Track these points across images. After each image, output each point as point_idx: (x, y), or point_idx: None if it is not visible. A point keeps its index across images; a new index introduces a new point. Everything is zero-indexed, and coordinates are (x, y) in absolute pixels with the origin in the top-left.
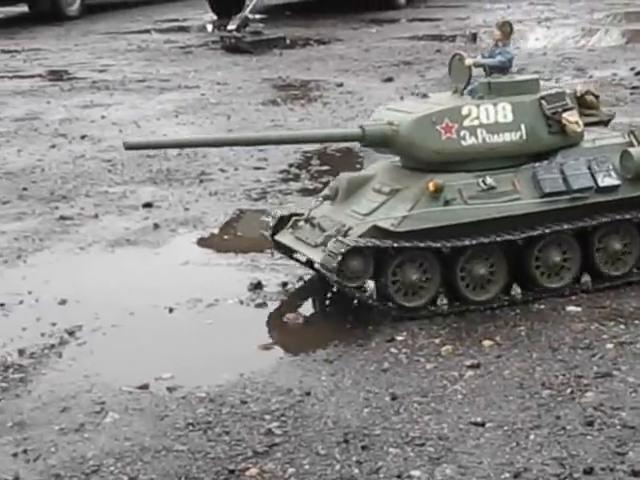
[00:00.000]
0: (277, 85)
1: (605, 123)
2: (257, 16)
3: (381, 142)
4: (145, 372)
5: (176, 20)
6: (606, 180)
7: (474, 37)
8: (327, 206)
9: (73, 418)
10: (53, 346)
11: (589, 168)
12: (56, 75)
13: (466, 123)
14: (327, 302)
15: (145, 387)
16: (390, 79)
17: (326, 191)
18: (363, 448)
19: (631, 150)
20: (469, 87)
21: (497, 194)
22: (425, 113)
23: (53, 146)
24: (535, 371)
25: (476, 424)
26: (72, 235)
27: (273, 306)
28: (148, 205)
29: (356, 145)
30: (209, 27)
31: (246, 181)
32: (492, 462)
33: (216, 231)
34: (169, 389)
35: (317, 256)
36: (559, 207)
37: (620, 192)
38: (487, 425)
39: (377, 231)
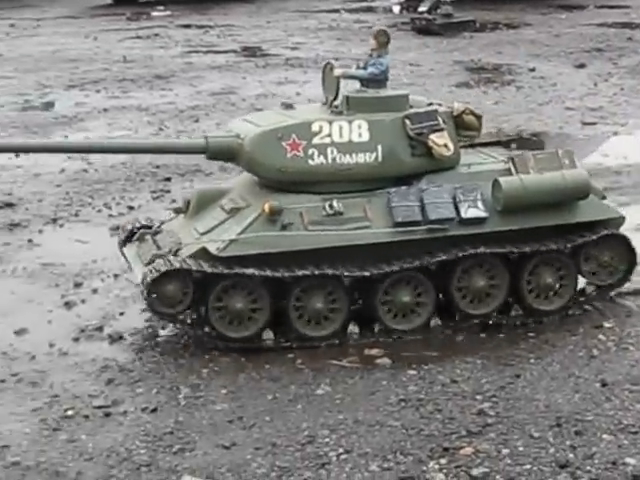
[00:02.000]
0: (469, 68)
1: (505, 144)
2: None
3: (227, 156)
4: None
5: (364, 0)
6: (470, 211)
7: None
8: (179, 220)
9: (287, 389)
10: None
11: (453, 197)
12: (250, 51)
13: (316, 141)
14: None
15: (352, 361)
16: (582, 65)
17: (180, 204)
18: (576, 433)
19: (501, 180)
20: None
21: (344, 220)
22: (270, 128)
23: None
24: None
25: None
26: None
27: None
28: None
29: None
30: (396, 9)
31: None
32: None
33: None
34: (377, 364)
35: (139, 275)
36: (413, 238)
37: (487, 225)
38: None
39: (204, 254)
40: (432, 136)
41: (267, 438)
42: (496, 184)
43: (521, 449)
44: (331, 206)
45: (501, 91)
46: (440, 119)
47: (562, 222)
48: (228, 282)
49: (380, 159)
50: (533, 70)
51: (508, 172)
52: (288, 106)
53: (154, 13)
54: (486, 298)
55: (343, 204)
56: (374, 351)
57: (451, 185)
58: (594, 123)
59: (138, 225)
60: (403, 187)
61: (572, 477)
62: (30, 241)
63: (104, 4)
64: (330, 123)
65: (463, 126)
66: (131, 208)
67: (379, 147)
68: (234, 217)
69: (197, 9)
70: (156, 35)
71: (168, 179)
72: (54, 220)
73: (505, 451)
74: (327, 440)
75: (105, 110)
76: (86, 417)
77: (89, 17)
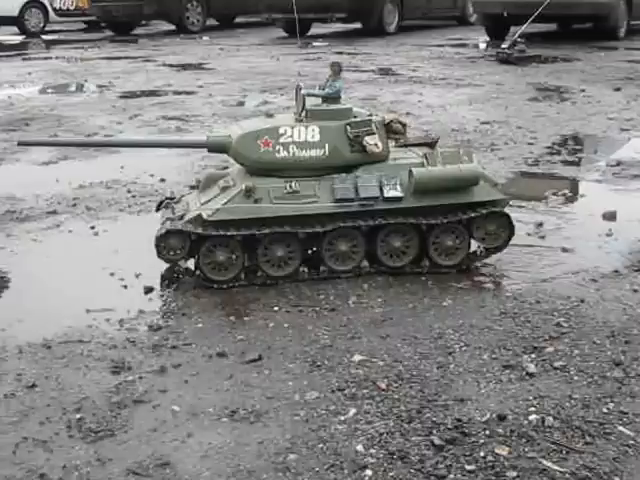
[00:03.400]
0: (537, 88)
1: (430, 145)
2: (521, 39)
3: (221, 150)
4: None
5: (461, 39)
6: (391, 192)
7: None
8: (192, 194)
9: (422, 301)
10: None
11: (379, 182)
12: (384, 71)
13: (281, 140)
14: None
15: (466, 284)
16: (618, 89)
17: (194, 182)
18: (626, 342)
19: (414, 170)
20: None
21: (299, 197)
22: (250, 130)
23: None
24: None
25: None
26: None
27: (550, 239)
28: None
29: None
30: (482, 46)
31: (523, 152)
32: None
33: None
34: (484, 287)
35: (157, 232)
36: (349, 211)
37: (403, 202)
38: None
39: (199, 218)
40: (366, 138)
41: (410, 333)
42: (410, 173)
43: (587, 351)
44: (291, 186)
45: (561, 105)
46: (373, 125)
47: (459, 202)
48: (215, 240)
49: (327, 154)
50: (583, 91)
51: (422, 165)
52: (269, 115)
53: (316, 43)
54: (402, 255)
55: (299, 185)
56: (481, 278)
57: (378, 173)
58: (628, 129)
59: (166, 196)
60: (343, 174)
61: (624, 372)
62: None
63: (281, 36)
64: (292, 127)
65: (391, 131)
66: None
67: (326, 145)
68: (224, 193)
69: (346, 42)
70: (319, 58)
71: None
72: None
73: (576, 351)
74: (452, 337)
75: (287, 108)
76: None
77: (272, 44)
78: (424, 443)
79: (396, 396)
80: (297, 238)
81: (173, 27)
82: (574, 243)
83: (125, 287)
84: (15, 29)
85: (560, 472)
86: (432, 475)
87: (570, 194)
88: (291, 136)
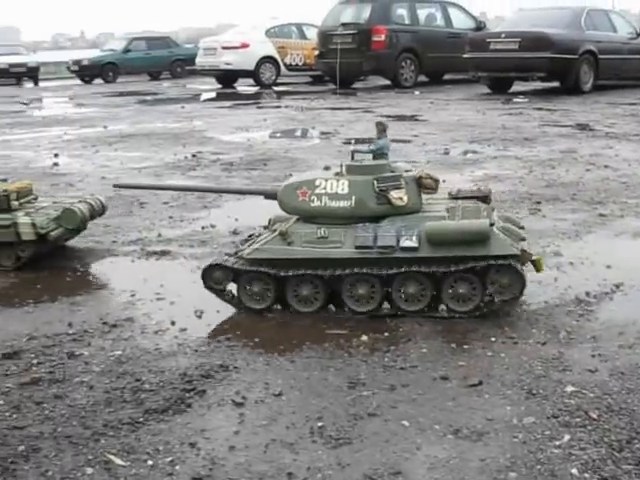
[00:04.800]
0: None
1: (483, 198)
2: None
3: (273, 198)
4: None
5: None
6: (406, 242)
7: None
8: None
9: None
10: (607, 293)
11: (397, 232)
12: (581, 126)
13: (316, 191)
14: None
15: None
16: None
17: (266, 223)
18: None
19: (427, 223)
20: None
21: (326, 242)
22: (292, 181)
23: (587, 170)
24: None
25: None
26: (608, 226)
27: None
28: None
29: None
30: None
31: None
32: None
33: None
34: None
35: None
36: (368, 257)
37: (419, 252)
38: None
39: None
40: (392, 192)
41: (618, 369)
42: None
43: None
44: (321, 232)
45: None
46: (402, 181)
47: (472, 254)
48: (251, 274)
49: (353, 205)
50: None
51: (442, 218)
52: (326, 168)
53: (517, 100)
54: (417, 301)
55: (328, 231)
56: None
57: (400, 224)
58: None
59: (250, 234)
60: (367, 223)
61: None
62: None
63: (485, 92)
64: (327, 180)
65: (423, 186)
66: None
67: (353, 197)
68: (270, 234)
69: (545, 99)
70: (520, 113)
71: None
72: None
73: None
74: None
75: (494, 157)
76: (502, 343)
77: (477, 99)
78: (635, 471)
79: (606, 426)
80: (322, 279)
81: (388, 82)
82: None
83: (353, 312)
84: (251, 81)
85: None
86: None
87: None
88: (324, 188)
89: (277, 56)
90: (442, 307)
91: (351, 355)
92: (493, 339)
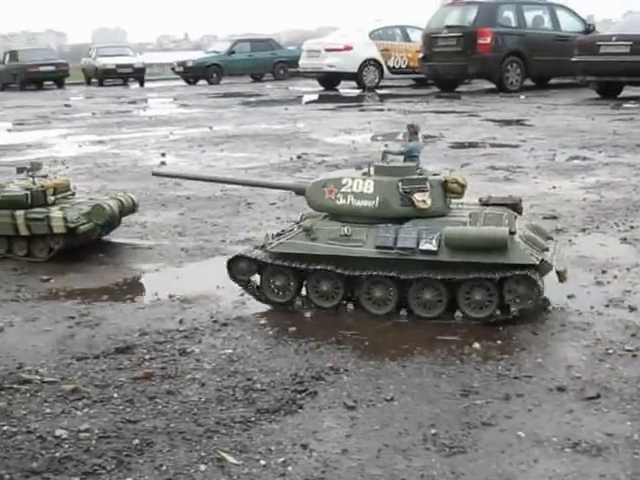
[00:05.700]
0: None
1: (514, 206)
2: None
3: (301, 194)
4: None
5: None
6: (425, 245)
7: None
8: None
9: None
10: None
11: (418, 234)
12: None
13: (342, 190)
14: None
15: None
16: None
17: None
18: None
19: (447, 228)
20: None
21: (349, 240)
22: (319, 179)
23: None
24: None
25: None
26: None
27: None
28: None
29: None
30: None
31: None
32: None
33: None
34: None
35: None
36: (388, 258)
37: (438, 256)
38: None
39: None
40: (416, 194)
41: None
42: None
43: None
44: (344, 230)
45: None
46: (428, 184)
47: (490, 261)
48: (274, 268)
49: (377, 205)
50: None
51: (464, 224)
52: (358, 168)
53: (627, 105)
54: (433, 307)
55: (352, 230)
56: None
57: (423, 227)
58: None
59: (284, 228)
60: (390, 224)
61: None
62: (570, 241)
63: (594, 97)
64: (353, 179)
65: (449, 190)
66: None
67: (377, 197)
68: (295, 229)
69: None
70: (631, 119)
71: None
72: (583, 230)
73: None
74: None
75: (606, 164)
76: (620, 355)
77: (585, 105)
78: None
79: None
80: (342, 276)
81: (493, 86)
82: None
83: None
84: (353, 83)
85: None
86: None
87: None
88: (351, 187)
89: (380, 59)
90: (457, 314)
91: (463, 362)
92: (611, 352)
